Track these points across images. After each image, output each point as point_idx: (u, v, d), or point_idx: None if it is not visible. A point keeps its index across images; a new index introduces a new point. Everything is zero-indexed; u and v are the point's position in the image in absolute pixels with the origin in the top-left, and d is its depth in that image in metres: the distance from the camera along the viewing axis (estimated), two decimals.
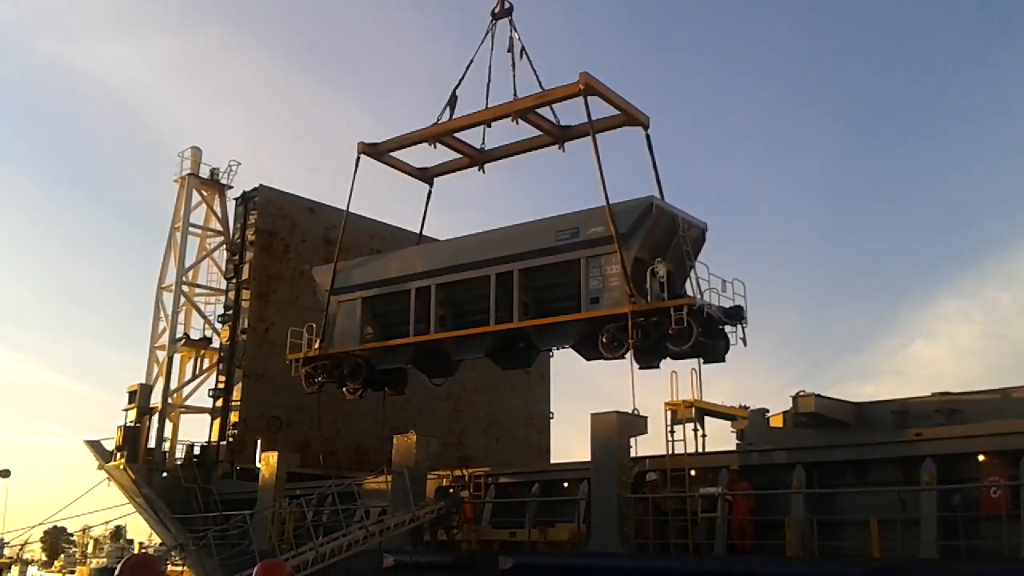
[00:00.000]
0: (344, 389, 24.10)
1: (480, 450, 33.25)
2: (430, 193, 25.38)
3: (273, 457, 25.29)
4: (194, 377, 32.43)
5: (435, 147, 23.25)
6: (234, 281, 31.34)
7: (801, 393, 17.88)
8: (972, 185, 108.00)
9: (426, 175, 25.26)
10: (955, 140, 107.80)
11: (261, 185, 31.64)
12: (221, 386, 30.61)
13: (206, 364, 32.55)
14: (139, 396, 29.95)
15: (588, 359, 20.88)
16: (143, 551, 50.82)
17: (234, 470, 29.29)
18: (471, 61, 23.08)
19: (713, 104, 73.68)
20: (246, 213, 31.69)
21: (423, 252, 24.02)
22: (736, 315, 19.31)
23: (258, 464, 27.06)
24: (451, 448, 31.26)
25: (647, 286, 18.90)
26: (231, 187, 33.99)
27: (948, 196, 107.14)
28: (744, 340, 19.42)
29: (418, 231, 25.96)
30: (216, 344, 32.18)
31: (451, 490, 20.89)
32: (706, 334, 18.67)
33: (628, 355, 18.91)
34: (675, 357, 19.22)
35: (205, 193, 33.93)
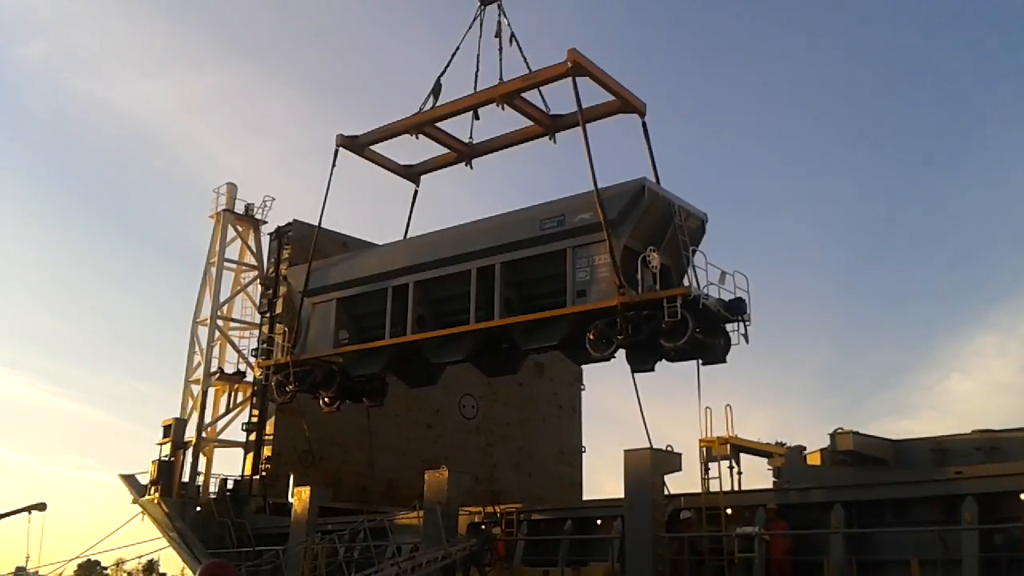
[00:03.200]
0: (320, 400, 22.89)
1: (512, 485, 33.08)
2: (416, 193, 23.86)
3: (305, 492, 25.30)
4: (228, 411, 32.62)
5: (417, 137, 21.68)
6: (267, 315, 31.55)
7: (839, 430, 17.66)
8: (1006, 217, 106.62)
9: (412, 173, 23.81)
10: (988, 166, 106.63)
11: (295, 220, 31.92)
12: (254, 420, 30.76)
13: (240, 398, 32.74)
14: (174, 430, 30.18)
15: (577, 362, 19.64)
16: None
17: (267, 504, 29.34)
18: (457, 48, 21.69)
19: (735, 115, 73.64)
20: (280, 248, 31.91)
21: (401, 247, 22.30)
22: (737, 309, 17.61)
23: (291, 499, 27.09)
24: (483, 483, 31.14)
25: (638, 277, 17.31)
26: (265, 222, 34.38)
27: (981, 227, 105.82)
28: (746, 337, 17.74)
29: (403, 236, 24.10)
30: (250, 378, 32.39)
31: (483, 527, 20.73)
32: (704, 331, 17.25)
33: (622, 358, 17.61)
34: (671, 358, 17.82)
35: (240, 228, 34.32)
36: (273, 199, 34.98)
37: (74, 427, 67.04)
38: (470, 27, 21.62)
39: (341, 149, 22.61)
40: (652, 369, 18.45)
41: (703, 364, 18.02)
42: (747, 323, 17.70)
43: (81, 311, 73.06)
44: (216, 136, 75.80)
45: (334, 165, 22.62)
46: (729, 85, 73.39)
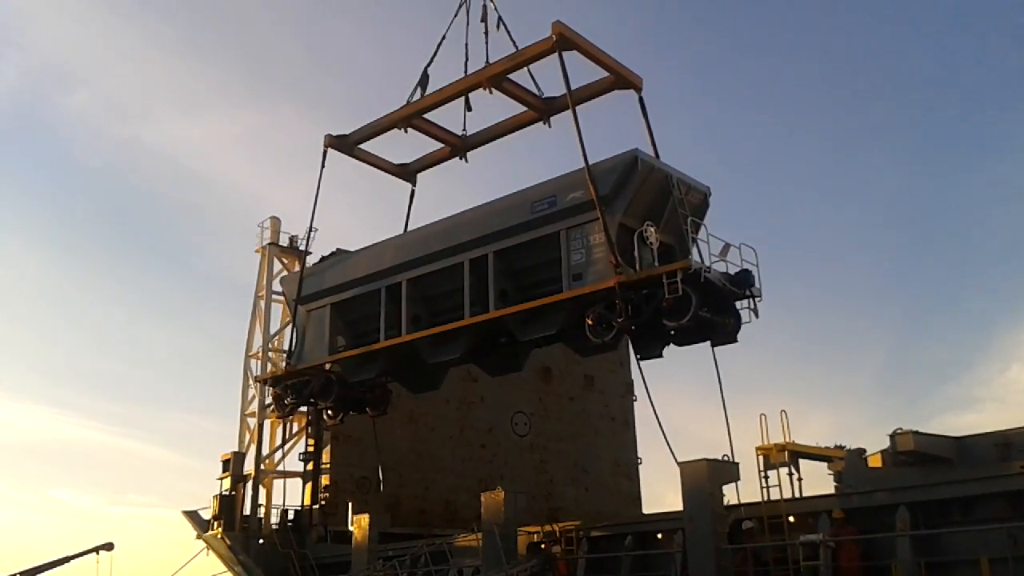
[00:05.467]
0: (324, 412, 22.34)
1: (570, 501, 32.98)
2: (413, 192, 23.21)
3: (364, 519, 25.43)
4: (284, 442, 32.90)
5: (406, 131, 20.98)
6: None
7: (898, 431, 17.34)
8: None
9: (407, 171, 23.18)
10: None
11: (338, 248, 32.23)
12: (310, 450, 31.00)
13: (295, 428, 33.05)
14: (232, 464, 30.49)
15: (581, 353, 18.94)
16: None
17: (328, 533, 29.53)
18: (443, 37, 20.97)
19: (773, 94, 72.55)
20: None
21: (390, 245, 21.37)
22: (744, 282, 16.53)
23: (350, 527, 27.25)
24: (540, 500, 31.09)
25: (636, 255, 16.34)
26: (310, 253, 34.57)
27: None
28: (756, 312, 16.67)
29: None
30: (303, 408, 32.67)
31: (543, 546, 20.68)
32: (711, 309, 16.30)
33: (628, 348, 17.10)
34: (678, 341, 17.04)
35: (286, 260, 34.69)
36: (316, 229, 35.33)
37: (137, 466, 68.11)
38: (456, 14, 20.98)
39: (331, 150, 22.03)
40: (660, 355, 17.62)
41: (714, 345, 17.13)
42: (756, 298, 16.72)
43: (137, 352, 74.27)
44: (259, 171, 76.91)
45: (323, 166, 22.10)
46: (766, 67, 72.45)
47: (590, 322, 16.79)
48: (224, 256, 77.61)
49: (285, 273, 30.75)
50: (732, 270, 16.69)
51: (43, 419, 68.46)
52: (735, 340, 17.07)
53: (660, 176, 17.06)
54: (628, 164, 16.74)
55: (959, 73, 64.34)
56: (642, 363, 17.85)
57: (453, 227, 19.50)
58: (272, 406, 32.33)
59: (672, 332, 16.77)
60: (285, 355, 22.59)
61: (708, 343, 17.39)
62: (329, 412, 22.84)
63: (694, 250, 16.93)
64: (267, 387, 23.18)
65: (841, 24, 66.68)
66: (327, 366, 22.22)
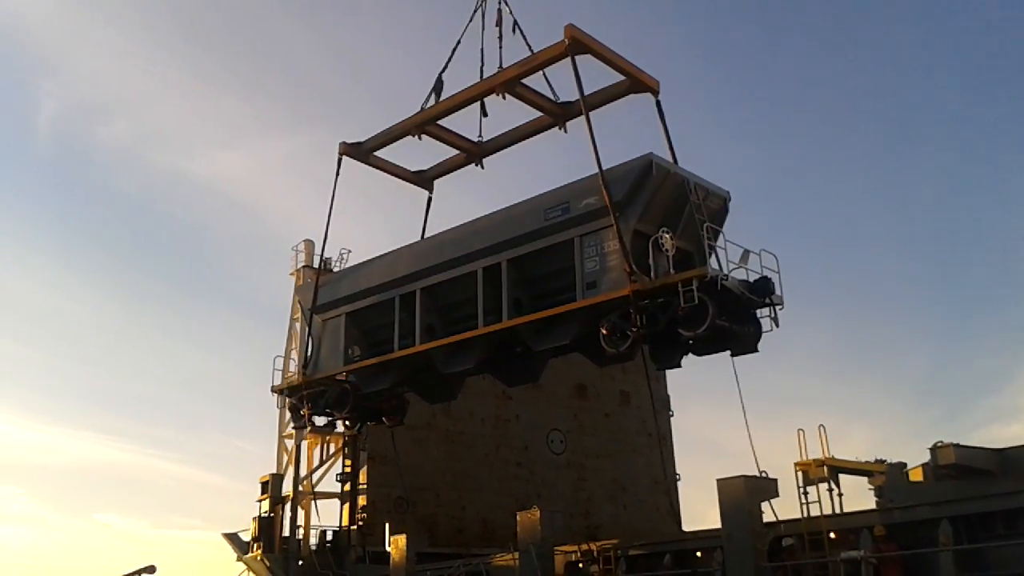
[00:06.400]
0: (340, 422, 22.00)
1: (608, 518, 32.79)
2: (430, 200, 22.92)
3: (402, 540, 25.42)
4: (322, 463, 33.07)
5: (420, 138, 20.80)
6: None
7: (939, 444, 17.07)
8: None
9: (423, 178, 22.94)
10: None
11: None
12: (347, 470, 31.13)
13: (332, 449, 33.20)
14: (271, 486, 30.67)
15: (600, 364, 18.27)
16: None
17: (366, 554, 29.59)
18: (458, 42, 20.77)
19: (801, 115, 71.87)
20: None
21: (404, 253, 21.00)
22: (764, 290, 15.91)
23: (387, 547, 27.28)
24: (578, 518, 30.96)
25: (651, 262, 15.84)
26: (329, 267, 34.94)
27: None
28: (776, 320, 16.12)
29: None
30: (340, 428, 32.82)
31: (580, 566, 20.58)
32: (730, 318, 15.80)
33: (645, 356, 16.44)
34: (697, 351, 16.54)
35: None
36: (349, 251, 35.55)
37: (180, 489, 68.78)
38: (470, 20, 20.79)
39: (346, 158, 21.84)
40: (678, 365, 17.20)
41: (733, 355, 16.63)
42: (777, 306, 16.17)
43: (179, 376, 75.26)
44: (294, 197, 77.76)
45: (338, 174, 21.89)
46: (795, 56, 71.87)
47: (604, 332, 16.38)
48: (262, 279, 78.50)
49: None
50: (752, 277, 16.24)
51: (88, 444, 69.56)
52: (755, 350, 16.59)
53: (676, 181, 16.63)
54: (642, 168, 16.32)
55: (1007, 69, 63.22)
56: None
57: (466, 234, 19.24)
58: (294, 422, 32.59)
59: (690, 342, 16.33)
60: (300, 365, 22.18)
61: (728, 353, 16.94)
62: (346, 423, 22.49)
63: (712, 257, 16.53)
64: (284, 397, 23.21)
65: (884, 17, 65.78)
66: (342, 376, 22.06)
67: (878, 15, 66.19)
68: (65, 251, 75.35)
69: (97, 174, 74.63)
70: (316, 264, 34.63)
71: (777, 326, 16.23)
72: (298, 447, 32.49)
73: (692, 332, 15.35)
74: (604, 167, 16.74)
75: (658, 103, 18.47)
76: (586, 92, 17.77)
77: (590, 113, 17.36)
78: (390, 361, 20.24)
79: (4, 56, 71.85)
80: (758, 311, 16.38)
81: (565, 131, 19.91)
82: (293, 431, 24.89)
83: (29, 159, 75.04)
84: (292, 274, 34.86)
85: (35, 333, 72.68)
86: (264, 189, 76.00)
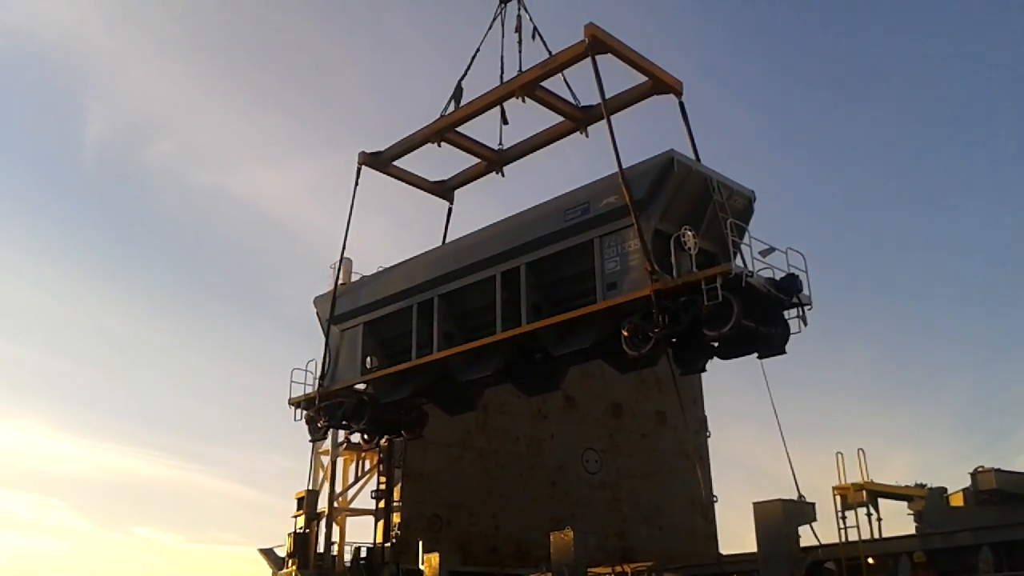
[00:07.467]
0: (360, 436, 21.70)
1: (643, 540, 32.46)
2: (450, 210, 22.83)
3: (435, 559, 25.44)
4: (357, 479, 33.18)
5: (440, 146, 20.64)
6: None
7: (980, 469, 16.78)
8: None
9: (444, 188, 22.84)
10: None
11: None
12: (382, 487, 31.18)
13: (367, 466, 33.29)
14: (307, 502, 30.80)
15: (621, 370, 17.84)
16: None
17: (399, 572, 29.57)
18: (477, 50, 20.70)
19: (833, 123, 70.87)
20: None
21: (422, 260, 20.79)
22: (791, 288, 15.37)
23: (421, 565, 27.27)
24: (613, 539, 30.69)
25: (673, 261, 15.46)
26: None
27: None
28: (804, 320, 15.63)
29: None
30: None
31: None
32: (756, 318, 15.33)
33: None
34: (722, 354, 16.18)
35: None
36: (382, 267, 35.77)
37: (218, 503, 69.40)
38: (490, 27, 20.74)
39: (365, 168, 21.83)
40: (703, 369, 16.89)
41: (760, 357, 16.23)
42: (805, 305, 15.68)
43: (217, 391, 76.19)
44: (332, 215, 78.67)
45: (357, 184, 21.83)
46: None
47: (626, 334, 15.99)
48: (300, 297, 79.21)
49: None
50: (778, 275, 15.76)
51: (128, 459, 70.44)
52: (783, 351, 16.10)
53: (699, 179, 16.22)
54: (663, 166, 15.92)
55: None
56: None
57: (484, 239, 19.04)
58: (343, 443, 32.78)
59: (715, 343, 15.98)
60: (317, 377, 22.09)
61: (756, 357, 16.56)
62: (364, 437, 22.40)
63: (737, 257, 16.16)
64: (300, 410, 22.82)
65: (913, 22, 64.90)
66: (360, 387, 21.96)
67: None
68: (111, 270, 76.83)
69: (141, 193, 76.01)
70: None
71: (805, 325, 15.81)
72: (333, 463, 32.66)
73: (717, 332, 14.88)
74: (622, 165, 16.50)
75: (681, 104, 18.15)
76: (607, 95, 17.54)
77: (611, 116, 17.16)
78: (408, 371, 20.10)
79: (53, 75, 73.54)
80: (785, 312, 16.00)
81: (586, 135, 19.72)
82: (311, 441, 24.96)
83: (75, 178, 76.64)
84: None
85: (85, 351, 74.12)
86: (302, 207, 76.94)
